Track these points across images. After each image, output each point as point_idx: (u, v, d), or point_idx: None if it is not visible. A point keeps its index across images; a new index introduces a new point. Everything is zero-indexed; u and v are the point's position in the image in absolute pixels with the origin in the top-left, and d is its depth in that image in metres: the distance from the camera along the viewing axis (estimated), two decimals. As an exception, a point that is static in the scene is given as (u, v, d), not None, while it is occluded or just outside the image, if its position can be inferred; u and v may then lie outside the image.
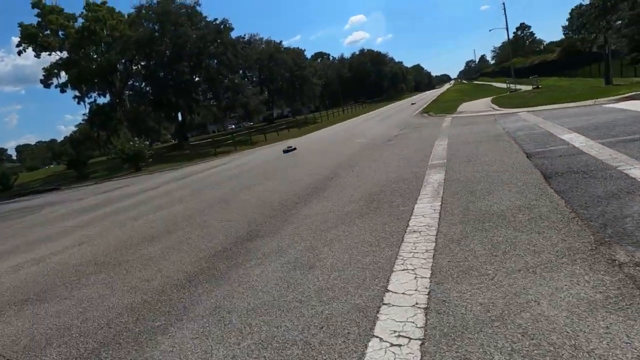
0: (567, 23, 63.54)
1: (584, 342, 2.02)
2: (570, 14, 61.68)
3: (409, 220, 4.43)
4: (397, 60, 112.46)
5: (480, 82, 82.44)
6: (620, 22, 27.85)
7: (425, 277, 3.02)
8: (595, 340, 2.01)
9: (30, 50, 35.06)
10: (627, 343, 1.95)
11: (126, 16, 37.61)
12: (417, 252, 3.51)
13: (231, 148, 26.88)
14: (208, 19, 39.41)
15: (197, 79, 39.95)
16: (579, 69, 35.09)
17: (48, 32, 34.30)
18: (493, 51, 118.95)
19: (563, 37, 66.21)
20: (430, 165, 7.24)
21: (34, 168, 73.40)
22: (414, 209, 4.81)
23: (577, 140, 6.93)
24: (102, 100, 40.92)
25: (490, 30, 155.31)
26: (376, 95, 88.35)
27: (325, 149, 14.99)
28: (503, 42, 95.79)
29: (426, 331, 2.36)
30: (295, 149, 16.59)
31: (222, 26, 39.33)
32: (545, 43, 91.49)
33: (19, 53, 35.91)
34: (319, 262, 3.80)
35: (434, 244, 3.62)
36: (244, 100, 42.55)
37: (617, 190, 4.05)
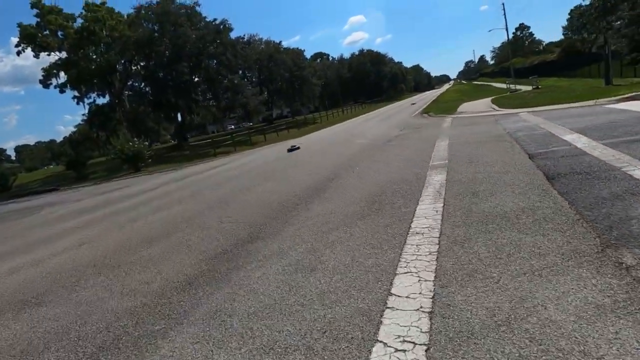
0: (566, 23, 63.60)
1: (594, 347, 1.98)
2: (569, 14, 61.72)
3: (411, 221, 4.39)
4: (396, 60, 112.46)
5: (479, 83, 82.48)
6: (620, 22, 27.81)
7: (429, 280, 2.98)
8: (605, 346, 1.97)
9: (29, 50, 34.98)
10: (637, 349, 1.91)
11: (125, 16, 37.51)
12: (420, 255, 3.47)
13: (231, 149, 26.83)
14: (207, 20, 39.37)
15: (196, 79, 39.86)
16: (578, 70, 35.07)
17: (47, 32, 34.19)
18: (492, 51, 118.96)
19: (562, 37, 66.27)
20: (431, 166, 7.20)
21: (33, 168, 73.26)
22: (415, 210, 4.77)
23: (580, 141, 6.90)
24: (102, 100, 40.87)
25: (489, 31, 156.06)
26: (376, 96, 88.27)
27: (325, 150, 14.94)
28: (502, 43, 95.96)
29: (431, 336, 2.31)
30: (299, 147, 16.92)
31: (221, 26, 39.25)
32: (544, 43, 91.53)
33: (18, 53, 35.84)
34: (321, 264, 3.75)
35: (437, 246, 3.58)
36: (244, 100, 42.45)
37: (621, 192, 4.01)
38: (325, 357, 2.34)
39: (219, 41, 38.55)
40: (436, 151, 8.81)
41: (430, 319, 2.49)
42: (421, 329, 2.39)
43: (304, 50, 62.25)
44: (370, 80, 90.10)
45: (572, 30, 55.49)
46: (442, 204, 4.77)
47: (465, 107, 22.54)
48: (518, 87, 31.54)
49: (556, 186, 4.63)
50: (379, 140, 13.80)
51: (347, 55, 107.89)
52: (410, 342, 2.30)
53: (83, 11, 34.38)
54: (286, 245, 4.50)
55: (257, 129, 42.56)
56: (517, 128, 10.16)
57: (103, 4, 35.60)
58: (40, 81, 36.67)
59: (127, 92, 40.39)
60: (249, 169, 13.94)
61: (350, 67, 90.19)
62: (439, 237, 3.78)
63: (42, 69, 36.27)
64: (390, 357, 2.21)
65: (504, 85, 36.59)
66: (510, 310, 2.41)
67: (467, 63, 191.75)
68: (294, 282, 3.48)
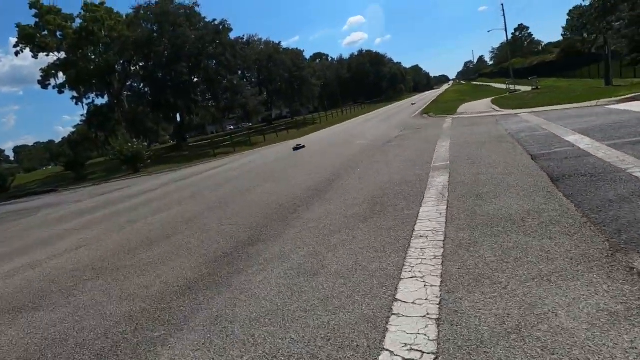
0: (566, 24, 63.68)
1: (609, 357, 1.91)
2: (569, 14, 61.81)
3: (415, 224, 4.32)
4: (395, 61, 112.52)
5: (479, 83, 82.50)
6: (620, 22, 27.80)
7: (435, 286, 2.91)
8: (621, 356, 1.90)
9: (27, 51, 34.90)
10: (655, 359, 1.84)
11: (124, 17, 37.46)
12: (425, 259, 3.40)
13: (230, 149, 26.75)
14: (207, 20, 39.35)
15: (195, 79, 39.78)
16: (577, 70, 35.07)
17: (46, 32, 34.13)
18: (491, 52, 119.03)
19: (561, 38, 66.33)
20: (433, 167, 7.13)
21: (32, 169, 73.11)
22: (419, 212, 4.70)
23: (583, 142, 6.84)
24: (100, 101, 40.79)
25: (489, 31, 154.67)
26: (375, 96, 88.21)
27: (325, 150, 14.87)
28: (501, 43, 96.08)
29: (439, 344, 2.25)
30: (304, 146, 17.14)
31: (220, 27, 39.21)
32: (543, 44, 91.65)
33: (17, 54, 35.90)
34: (324, 268, 3.68)
35: (442, 250, 3.51)
36: (243, 101, 42.38)
37: (628, 194, 3.95)
38: (330, 366, 2.27)
39: (218, 41, 38.50)
40: (437, 152, 8.75)
41: (438, 326, 2.42)
42: (429, 337, 2.32)
43: (304, 51, 62.21)
44: (370, 80, 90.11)
45: (572, 30, 55.54)
46: (445, 206, 4.70)
47: (465, 107, 22.49)
48: (517, 87, 31.50)
49: (561, 188, 4.57)
50: (379, 141, 13.73)
51: (346, 55, 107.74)
52: (417, 350, 2.23)
53: (82, 11, 34.37)
54: (287, 248, 4.43)
55: (257, 130, 42.49)
56: (518, 129, 10.10)
57: (102, 4, 35.55)
58: (39, 81, 36.64)
59: (126, 93, 40.32)
60: (248, 169, 13.86)
61: (349, 67, 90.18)
62: (443, 241, 3.71)
63: (41, 69, 36.27)
64: (397, 367, 2.14)
65: (503, 86, 36.57)
66: (520, 318, 2.34)
67: (466, 63, 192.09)
68: (296, 286, 3.41)
